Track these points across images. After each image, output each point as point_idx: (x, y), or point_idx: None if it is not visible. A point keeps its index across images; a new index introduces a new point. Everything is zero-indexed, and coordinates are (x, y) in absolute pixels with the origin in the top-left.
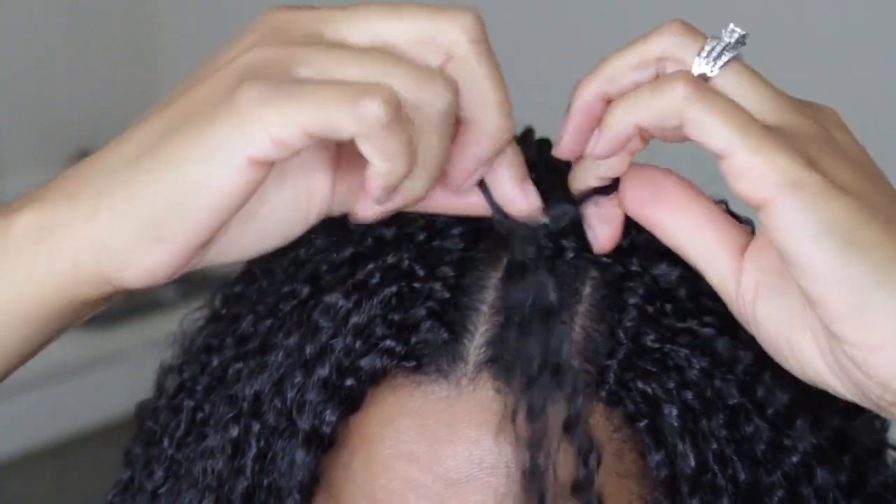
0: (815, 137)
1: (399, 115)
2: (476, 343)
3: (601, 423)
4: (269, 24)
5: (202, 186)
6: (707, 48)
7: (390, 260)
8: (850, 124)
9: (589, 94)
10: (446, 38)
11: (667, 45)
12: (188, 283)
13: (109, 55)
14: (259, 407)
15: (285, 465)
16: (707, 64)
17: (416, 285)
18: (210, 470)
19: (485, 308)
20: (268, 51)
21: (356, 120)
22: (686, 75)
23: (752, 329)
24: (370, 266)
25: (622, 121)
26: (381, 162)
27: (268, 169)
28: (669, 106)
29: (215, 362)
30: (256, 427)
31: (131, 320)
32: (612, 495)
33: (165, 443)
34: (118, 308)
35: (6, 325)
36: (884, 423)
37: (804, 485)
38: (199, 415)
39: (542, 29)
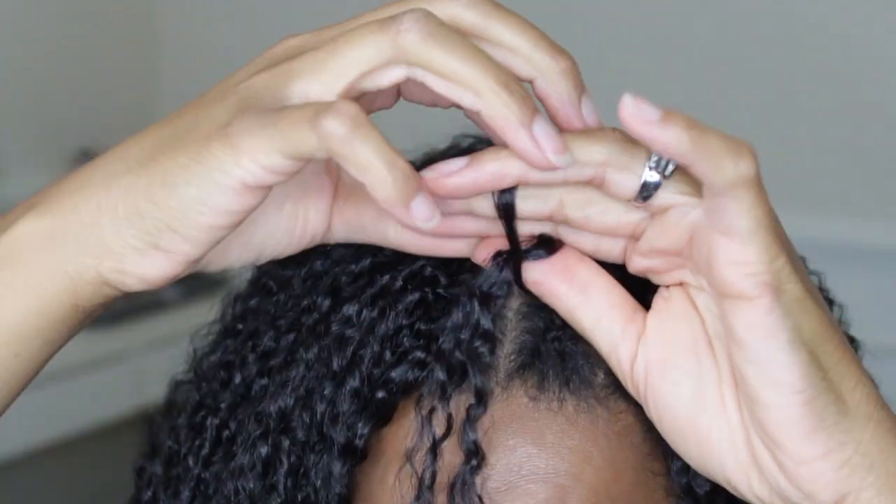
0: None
1: (359, 125)
2: (506, 350)
3: (634, 424)
4: (279, 49)
5: (201, 205)
6: (654, 158)
7: (411, 268)
8: (852, 125)
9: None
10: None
11: (611, 153)
12: (189, 283)
13: (111, 57)
14: (288, 423)
15: (321, 479)
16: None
17: (441, 292)
18: (242, 489)
19: (511, 315)
20: (267, 75)
21: (318, 137)
22: None
23: (647, 406)
24: (392, 274)
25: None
26: (361, 174)
27: (265, 192)
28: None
29: (238, 379)
30: (286, 443)
31: (132, 320)
32: (647, 494)
33: (190, 462)
34: (119, 308)
35: (19, 336)
36: None
37: None
38: (225, 433)
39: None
